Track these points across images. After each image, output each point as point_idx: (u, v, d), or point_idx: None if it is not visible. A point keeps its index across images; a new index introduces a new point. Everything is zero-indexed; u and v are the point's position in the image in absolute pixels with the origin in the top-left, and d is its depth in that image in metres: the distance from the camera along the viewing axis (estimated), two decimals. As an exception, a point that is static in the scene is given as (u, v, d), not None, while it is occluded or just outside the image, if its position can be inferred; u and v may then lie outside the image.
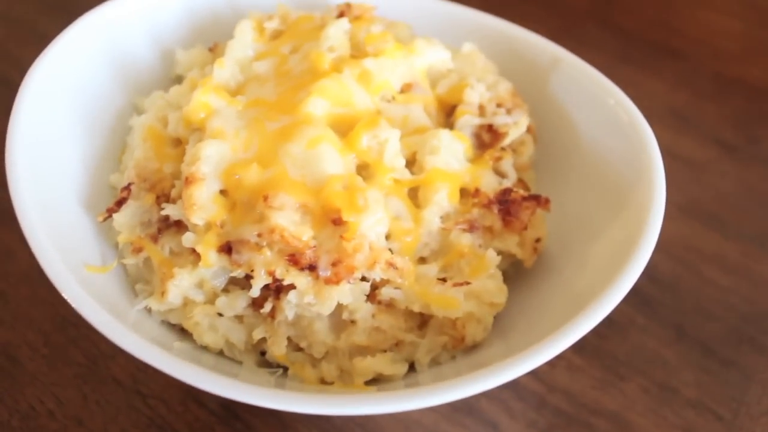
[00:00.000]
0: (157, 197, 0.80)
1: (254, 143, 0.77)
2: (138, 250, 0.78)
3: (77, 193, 0.84)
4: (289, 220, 0.71)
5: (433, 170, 0.78)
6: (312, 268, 0.70)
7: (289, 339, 0.75)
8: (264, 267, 0.70)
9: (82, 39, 0.89)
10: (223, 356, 0.77)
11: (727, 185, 1.16)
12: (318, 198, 0.73)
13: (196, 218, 0.73)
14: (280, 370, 0.77)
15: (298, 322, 0.74)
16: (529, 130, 0.87)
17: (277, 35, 0.92)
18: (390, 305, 0.74)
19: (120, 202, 0.80)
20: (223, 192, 0.75)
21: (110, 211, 0.80)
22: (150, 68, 0.96)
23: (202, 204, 0.73)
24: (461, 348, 0.75)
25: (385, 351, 0.75)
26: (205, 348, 0.76)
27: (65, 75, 0.87)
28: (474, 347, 0.76)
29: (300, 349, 0.76)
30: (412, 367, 0.77)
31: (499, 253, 0.79)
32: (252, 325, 0.76)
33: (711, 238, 1.10)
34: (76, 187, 0.85)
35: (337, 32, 0.86)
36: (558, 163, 0.90)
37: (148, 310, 0.77)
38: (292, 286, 0.71)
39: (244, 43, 0.89)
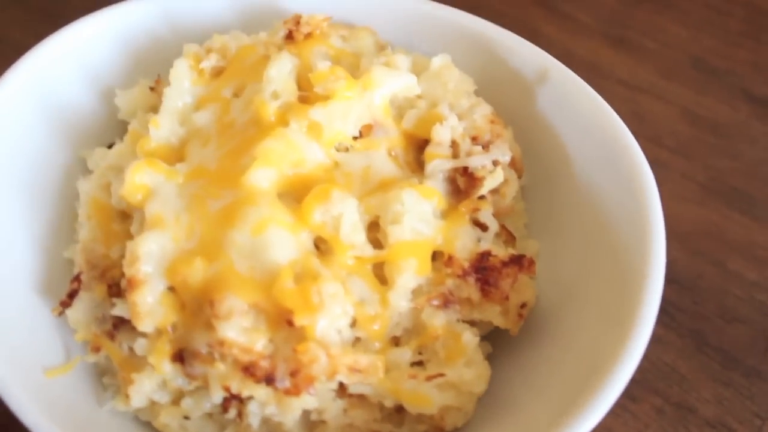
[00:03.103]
0: (109, 287, 0.75)
1: (196, 230, 0.70)
2: (97, 349, 0.74)
3: (29, 274, 0.79)
4: (238, 328, 0.65)
5: (397, 244, 0.69)
6: (269, 380, 0.64)
7: (261, 435, 0.71)
8: (218, 382, 0.65)
9: (11, 95, 0.81)
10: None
11: (759, 153, 1.02)
12: (269, 296, 0.66)
13: (144, 327, 0.68)
14: None
15: (267, 422, 0.70)
16: (512, 163, 0.76)
17: (218, 72, 0.80)
18: (362, 397, 0.69)
19: (72, 295, 0.75)
20: (171, 288, 0.69)
21: (64, 305, 0.75)
22: (92, 113, 0.88)
23: (148, 310, 0.67)
24: (442, 434, 0.70)
25: (362, 443, 0.71)
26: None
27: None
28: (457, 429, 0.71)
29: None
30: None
31: (480, 322, 0.72)
32: (222, 423, 0.72)
33: (737, 221, 0.98)
34: (26, 268, 0.80)
35: (280, 74, 0.74)
36: (547, 192, 0.79)
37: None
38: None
39: (181, 90, 0.79)
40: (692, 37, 1.11)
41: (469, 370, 0.68)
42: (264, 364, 0.65)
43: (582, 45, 1.12)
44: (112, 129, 0.89)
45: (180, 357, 0.67)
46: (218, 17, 0.88)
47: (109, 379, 0.76)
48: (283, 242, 0.68)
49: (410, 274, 0.68)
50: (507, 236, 0.75)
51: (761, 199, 0.98)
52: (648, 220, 0.67)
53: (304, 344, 0.64)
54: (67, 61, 0.84)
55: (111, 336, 0.73)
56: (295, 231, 0.69)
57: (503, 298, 0.70)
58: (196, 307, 0.68)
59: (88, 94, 0.87)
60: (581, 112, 0.75)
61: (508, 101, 0.80)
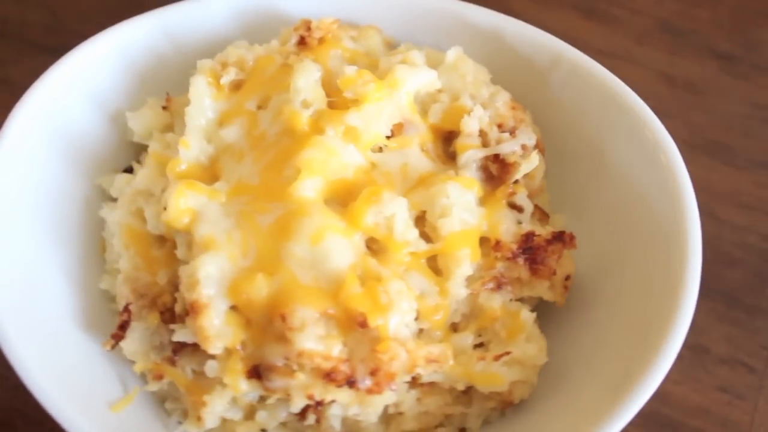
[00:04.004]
0: (161, 313, 0.74)
1: (251, 246, 0.70)
2: (159, 377, 0.74)
3: (71, 311, 0.78)
4: (314, 337, 0.67)
5: (450, 236, 0.72)
6: (351, 382, 0.67)
7: (338, 435, 0.73)
8: (301, 391, 0.67)
9: (23, 131, 0.79)
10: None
11: (731, 106, 1.09)
12: (337, 301, 0.68)
13: (214, 349, 0.68)
14: None
15: (345, 420, 0.72)
16: (536, 145, 0.79)
17: (237, 85, 0.80)
18: (433, 385, 0.72)
19: (123, 327, 0.74)
20: (233, 307, 0.70)
21: (116, 338, 0.74)
22: (102, 139, 0.86)
23: (216, 332, 0.68)
24: (510, 407, 0.74)
25: (436, 427, 0.74)
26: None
27: (17, 179, 0.78)
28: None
29: (350, 440, 0.75)
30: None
31: (528, 298, 0.76)
32: (298, 429, 0.74)
33: (722, 172, 1.06)
34: (67, 305, 0.78)
35: (308, 82, 0.75)
36: (564, 169, 0.83)
37: (188, 430, 0.74)
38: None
39: (202, 107, 0.78)
40: (657, 2, 1.17)
41: (530, 344, 0.72)
42: (344, 368, 0.67)
43: (555, 18, 1.17)
44: (123, 152, 0.88)
45: (256, 373, 0.68)
46: (218, 28, 0.87)
47: (171, 404, 0.77)
48: (340, 248, 0.70)
49: (467, 263, 0.71)
50: (540, 215, 0.79)
51: (740, 149, 1.06)
52: (679, 189, 0.73)
53: (383, 344, 0.66)
54: (74, 89, 0.82)
55: (172, 362, 0.73)
56: (348, 235, 0.71)
57: (551, 273, 0.74)
58: (265, 322, 0.69)
59: (97, 120, 0.85)
60: (596, 92, 0.79)
61: (520, 87, 0.83)
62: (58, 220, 0.81)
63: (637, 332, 0.71)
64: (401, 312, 0.68)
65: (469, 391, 0.74)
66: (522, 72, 0.83)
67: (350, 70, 0.75)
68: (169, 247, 0.77)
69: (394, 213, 0.71)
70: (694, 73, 1.12)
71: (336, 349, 0.67)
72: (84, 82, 0.83)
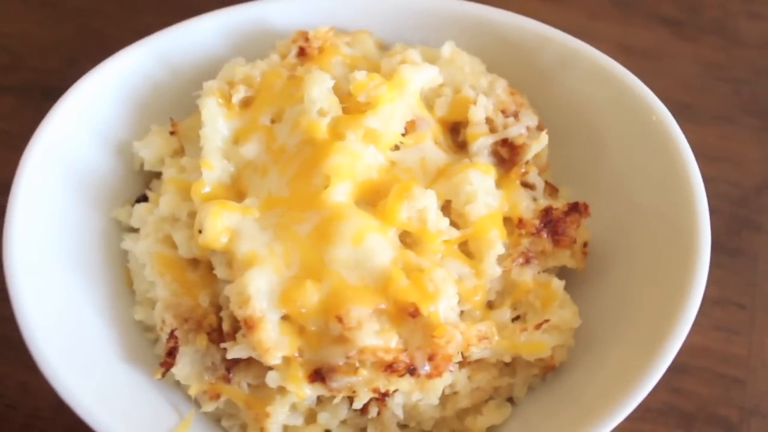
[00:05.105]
0: (208, 334, 0.76)
1: (294, 256, 0.72)
2: (216, 396, 0.75)
3: (112, 348, 0.79)
4: (371, 333, 0.70)
5: (480, 220, 0.76)
6: (412, 370, 0.70)
7: (396, 422, 0.77)
8: (367, 386, 0.70)
9: (37, 172, 0.78)
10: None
11: (685, 68, 1.18)
12: (386, 296, 0.71)
13: (274, 360, 0.70)
14: None
15: (404, 408, 0.76)
16: (538, 125, 0.84)
17: (246, 103, 0.82)
18: (480, 361, 0.77)
19: (171, 353, 0.75)
20: (284, 317, 0.72)
21: (166, 365, 0.75)
22: (112, 172, 0.86)
23: (273, 343, 0.70)
24: (551, 371, 0.79)
25: (486, 401, 0.78)
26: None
27: (39, 221, 0.78)
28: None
29: (405, 426, 0.78)
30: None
31: (552, 268, 0.81)
32: (357, 425, 0.77)
33: (687, 129, 1.12)
34: (106, 342, 0.79)
35: (322, 91, 0.77)
36: (566, 151, 0.88)
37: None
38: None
39: (216, 127, 0.79)
40: (603, -21, 1.24)
41: (564, 310, 0.78)
42: (403, 357, 0.70)
43: (511, 2, 1.22)
44: (132, 183, 0.88)
45: (318, 376, 0.71)
46: (212, 48, 0.88)
47: (227, 421, 0.78)
48: (380, 246, 0.73)
49: (498, 243, 0.76)
50: (551, 189, 0.85)
51: (699, 106, 1.15)
52: (680, 152, 0.80)
53: (440, 328, 0.70)
54: (79, 126, 0.82)
55: (227, 380, 0.75)
56: (384, 232, 0.74)
57: (572, 242, 0.79)
58: (319, 326, 0.71)
59: (104, 153, 0.85)
60: (584, 69, 0.85)
61: (513, 72, 0.88)
62: (82, 256, 0.81)
63: (658, 289, 0.76)
64: (448, 297, 0.72)
65: (512, 363, 0.79)
66: (512, 58, 0.88)
67: (361, 75, 0.78)
68: (204, 269, 0.78)
69: (426, 205, 0.74)
70: (648, 40, 1.20)
71: (393, 341, 0.70)
72: (87, 118, 0.83)
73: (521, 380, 0.79)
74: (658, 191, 0.81)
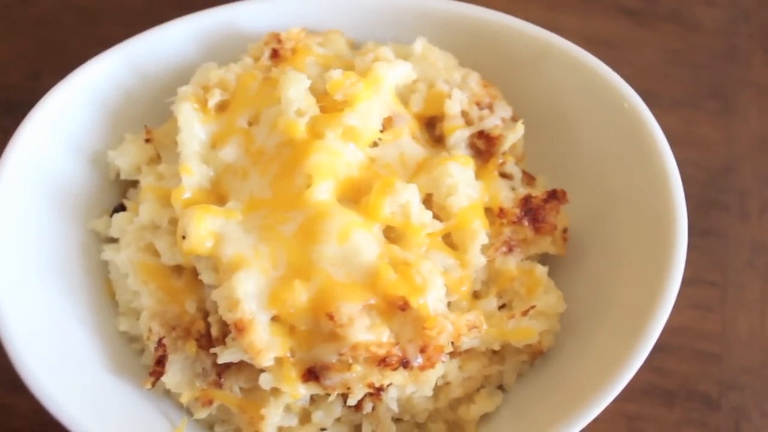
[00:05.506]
0: (197, 340, 0.75)
1: (280, 256, 0.72)
2: (208, 403, 0.74)
3: (98, 359, 0.78)
4: (363, 328, 0.70)
5: (462, 212, 0.77)
6: (405, 363, 0.70)
7: (390, 417, 0.77)
8: (361, 382, 0.70)
9: (12, 186, 0.77)
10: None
11: (646, 56, 1.21)
12: (375, 291, 0.71)
13: (266, 361, 0.70)
14: None
15: (398, 401, 0.76)
16: (512, 116, 0.86)
17: (222, 107, 0.81)
18: (469, 351, 0.77)
19: (160, 362, 0.74)
20: (274, 318, 0.72)
21: (155, 375, 0.74)
22: (87, 183, 0.85)
23: (265, 345, 0.70)
24: (539, 357, 0.81)
25: (478, 390, 0.79)
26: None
27: (17, 233, 0.77)
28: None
29: (399, 420, 0.79)
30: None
31: (534, 255, 0.83)
32: (352, 422, 0.77)
33: (654, 115, 1.17)
34: (92, 354, 0.77)
35: (299, 92, 0.77)
36: (539, 140, 0.89)
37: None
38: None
39: (193, 132, 0.79)
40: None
41: (549, 295, 0.79)
42: (396, 351, 0.70)
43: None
44: (107, 193, 0.86)
45: (312, 375, 0.71)
46: (182, 53, 0.87)
47: (221, 427, 0.78)
48: (366, 242, 0.73)
49: (482, 233, 0.77)
50: (528, 179, 0.86)
51: (662, 92, 1.17)
52: (652, 137, 0.82)
53: (430, 320, 0.70)
54: (52, 136, 0.81)
55: (218, 385, 0.74)
56: (368, 228, 0.74)
57: (552, 229, 0.81)
58: (311, 325, 0.71)
59: (78, 164, 0.83)
60: (557, 62, 0.87)
61: (484, 65, 0.89)
62: (62, 270, 0.79)
63: (637, 271, 0.78)
64: (436, 289, 0.72)
65: (501, 350, 0.80)
66: (483, 52, 0.89)
67: (337, 74, 0.78)
68: (188, 275, 0.77)
69: (409, 200, 0.75)
70: (609, 30, 1.23)
71: (385, 335, 0.71)
72: (60, 129, 0.81)
73: (511, 367, 0.80)
74: (633, 176, 0.83)
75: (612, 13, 1.25)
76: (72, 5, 1.17)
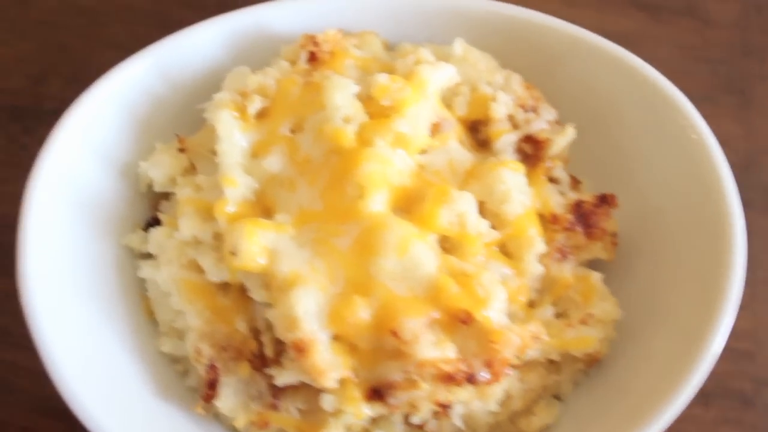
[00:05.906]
0: (249, 361, 0.72)
1: (338, 271, 0.69)
2: (264, 425, 0.71)
3: (143, 383, 0.74)
4: (428, 345, 0.67)
5: (517, 219, 0.75)
6: (471, 379, 0.68)
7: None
8: (429, 400, 0.68)
9: (47, 202, 0.73)
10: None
11: (664, 51, 1.20)
12: (437, 304, 0.69)
13: (330, 382, 0.67)
14: None
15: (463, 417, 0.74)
16: (557, 121, 0.84)
17: (262, 114, 0.77)
18: (528, 362, 0.76)
19: (212, 385, 0.71)
20: (335, 337, 0.69)
21: (207, 398, 0.71)
22: (119, 196, 0.81)
23: (327, 366, 0.67)
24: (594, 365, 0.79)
25: (536, 401, 0.78)
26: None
27: (54, 253, 0.73)
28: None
29: (459, 432, 0.77)
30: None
31: (584, 261, 0.81)
32: (415, 438, 0.75)
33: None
34: (136, 377, 0.74)
35: (345, 97, 0.74)
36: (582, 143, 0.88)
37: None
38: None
39: (233, 141, 0.75)
40: (577, -34, 1.25)
41: (605, 303, 0.77)
42: (463, 367, 0.68)
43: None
44: (138, 206, 0.82)
45: (376, 395, 0.68)
46: (211, 58, 0.83)
47: (275, 448, 0.74)
48: (425, 254, 0.70)
49: (538, 241, 0.75)
50: (574, 183, 0.84)
51: (681, 88, 1.15)
52: (704, 141, 0.80)
53: (497, 333, 0.68)
54: (82, 148, 0.76)
55: (275, 407, 0.71)
56: (424, 239, 0.72)
57: (603, 234, 0.79)
58: (373, 342, 0.68)
59: (109, 177, 0.80)
60: (598, 61, 0.85)
61: (524, 66, 0.87)
62: (99, 289, 0.76)
63: (694, 277, 0.77)
64: (499, 300, 0.70)
65: (555, 360, 0.78)
66: (519, 52, 0.87)
67: (383, 78, 0.75)
68: (236, 293, 0.74)
69: (466, 208, 0.72)
70: (625, 26, 1.22)
71: (450, 351, 0.68)
72: (89, 139, 0.77)
73: (567, 376, 0.79)
74: (682, 179, 0.81)
75: (627, 8, 1.24)
76: (74, 5, 1.11)
